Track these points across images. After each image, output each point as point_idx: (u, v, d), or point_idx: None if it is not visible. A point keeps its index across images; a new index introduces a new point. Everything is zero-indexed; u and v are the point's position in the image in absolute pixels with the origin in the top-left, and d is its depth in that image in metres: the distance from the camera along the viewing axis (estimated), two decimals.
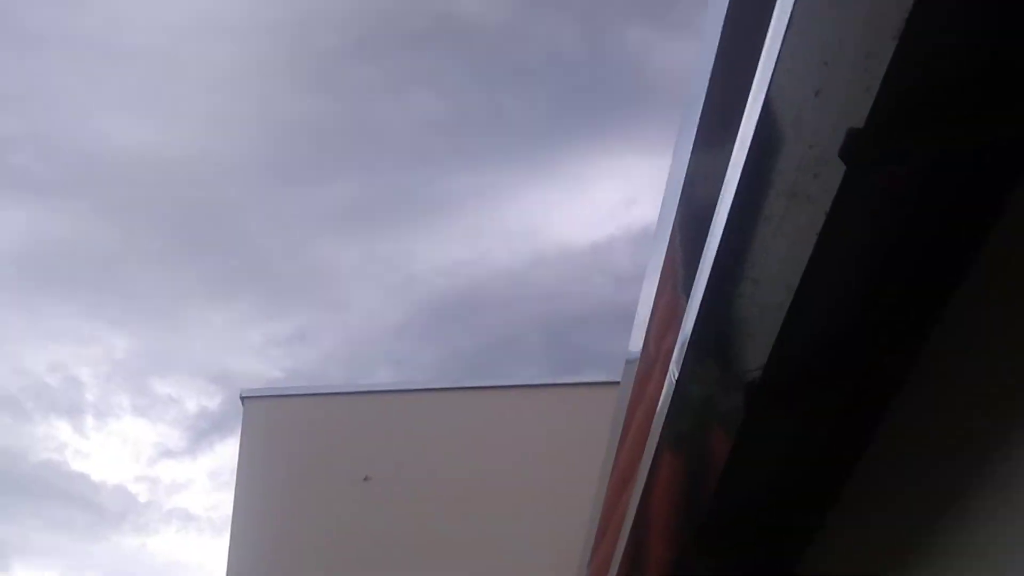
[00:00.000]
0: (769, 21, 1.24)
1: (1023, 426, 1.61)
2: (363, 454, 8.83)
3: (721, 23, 1.38)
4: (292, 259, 15.57)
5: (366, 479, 8.48)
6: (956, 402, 1.83)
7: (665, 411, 2.18)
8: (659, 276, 1.92)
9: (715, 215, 1.53)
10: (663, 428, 2.24)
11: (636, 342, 2.44)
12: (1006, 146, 1.50)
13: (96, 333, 16.26)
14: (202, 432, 18.06)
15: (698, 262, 1.58)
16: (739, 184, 1.43)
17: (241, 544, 8.94)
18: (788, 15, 1.21)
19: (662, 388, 2.20)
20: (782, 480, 2.25)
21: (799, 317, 1.63)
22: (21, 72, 14.02)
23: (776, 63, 1.26)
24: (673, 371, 1.96)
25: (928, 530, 1.92)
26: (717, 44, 1.41)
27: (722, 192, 1.47)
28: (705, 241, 1.56)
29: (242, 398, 9.40)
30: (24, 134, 14.31)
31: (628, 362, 2.60)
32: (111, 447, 18.95)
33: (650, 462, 2.39)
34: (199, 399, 17.87)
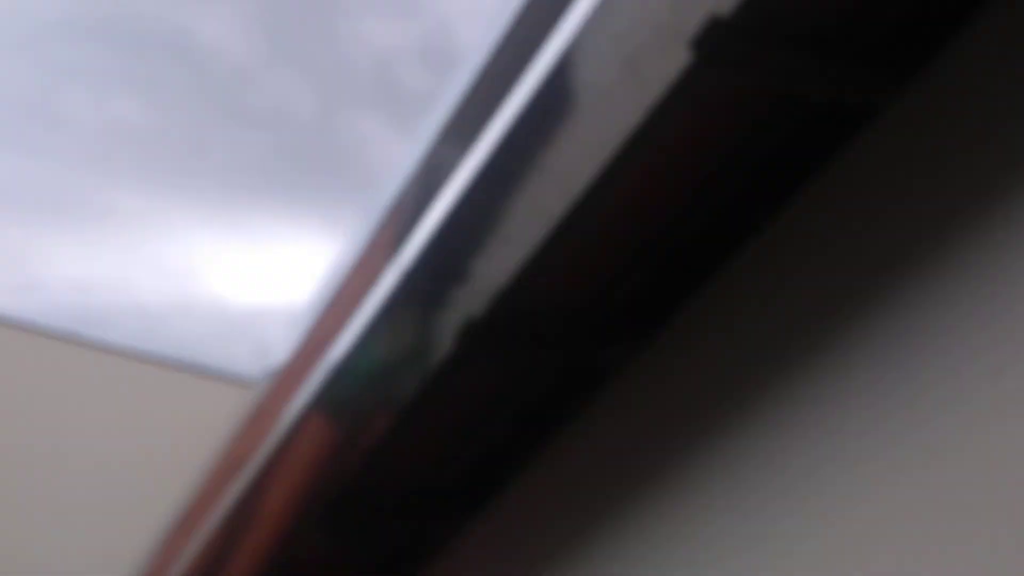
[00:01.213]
0: None
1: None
2: None
3: None
4: None
5: None
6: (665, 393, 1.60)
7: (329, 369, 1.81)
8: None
9: (515, 85, 1.22)
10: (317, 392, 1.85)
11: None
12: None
13: None
14: None
15: (484, 122, 1.25)
16: (577, 32, 1.13)
17: None
18: None
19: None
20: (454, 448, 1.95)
21: (574, 234, 1.35)
22: None
23: None
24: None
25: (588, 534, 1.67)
26: None
27: (550, 37, 1.17)
28: (502, 100, 1.24)
29: None
30: None
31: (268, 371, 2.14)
32: None
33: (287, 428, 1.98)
34: None
